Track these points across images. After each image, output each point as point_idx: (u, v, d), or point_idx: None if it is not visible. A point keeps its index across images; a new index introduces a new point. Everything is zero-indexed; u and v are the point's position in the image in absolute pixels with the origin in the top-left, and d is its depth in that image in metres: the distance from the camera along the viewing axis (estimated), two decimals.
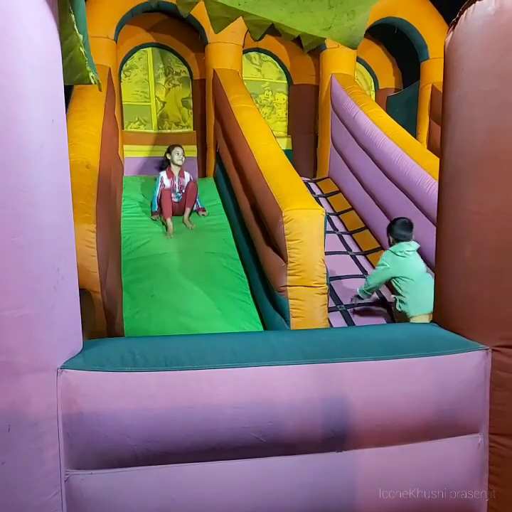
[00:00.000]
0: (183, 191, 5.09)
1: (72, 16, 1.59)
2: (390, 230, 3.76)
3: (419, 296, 3.42)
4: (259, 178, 3.94)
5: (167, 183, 5.04)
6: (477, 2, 1.55)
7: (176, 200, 5.06)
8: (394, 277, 3.62)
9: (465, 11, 1.60)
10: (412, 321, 3.44)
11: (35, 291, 1.27)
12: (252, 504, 1.46)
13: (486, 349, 1.58)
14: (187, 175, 5.22)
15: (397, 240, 3.69)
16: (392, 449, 1.55)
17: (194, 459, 1.43)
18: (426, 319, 3.28)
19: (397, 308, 3.60)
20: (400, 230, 3.69)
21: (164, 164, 5.52)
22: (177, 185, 5.11)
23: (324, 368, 1.48)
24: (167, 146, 5.71)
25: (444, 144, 1.72)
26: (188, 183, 5.12)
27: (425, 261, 4.29)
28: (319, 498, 1.50)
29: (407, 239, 3.69)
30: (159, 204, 4.98)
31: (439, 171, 1.77)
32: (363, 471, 1.53)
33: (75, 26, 1.63)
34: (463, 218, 1.62)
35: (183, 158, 5.25)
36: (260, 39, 6.77)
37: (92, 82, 1.96)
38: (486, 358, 1.57)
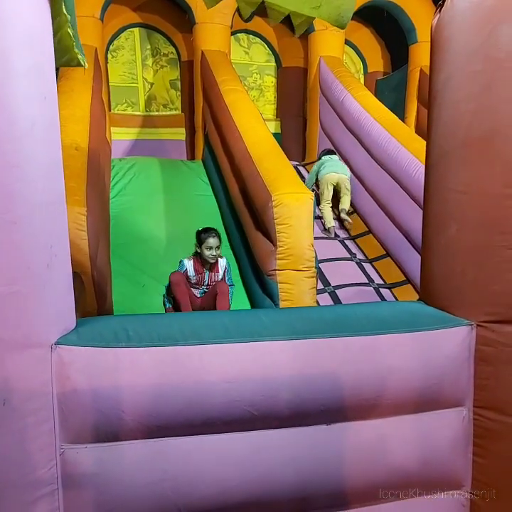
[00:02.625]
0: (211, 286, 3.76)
1: None
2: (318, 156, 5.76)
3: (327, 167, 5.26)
4: (248, 162, 3.94)
5: (191, 275, 3.72)
6: None
7: (198, 295, 3.76)
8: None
9: None
10: (323, 180, 5.22)
11: (28, 267, 1.28)
12: (243, 476, 1.50)
13: (471, 324, 1.63)
14: (222, 267, 3.78)
15: (319, 158, 5.60)
16: (379, 422, 1.60)
17: (186, 432, 1.46)
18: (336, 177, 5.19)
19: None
20: (322, 154, 5.60)
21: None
22: (206, 281, 3.76)
23: (314, 344, 1.52)
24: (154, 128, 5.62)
25: (430, 126, 1.75)
26: (221, 283, 3.70)
27: (411, 243, 4.35)
28: (309, 469, 1.55)
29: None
30: (174, 298, 3.70)
31: (426, 152, 1.80)
32: (352, 443, 1.57)
33: (64, 7, 1.62)
34: (448, 198, 1.65)
35: (217, 253, 3.69)
36: (249, 20, 6.71)
37: (82, 64, 1.94)
38: (471, 334, 1.62)
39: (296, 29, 1.76)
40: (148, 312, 3.74)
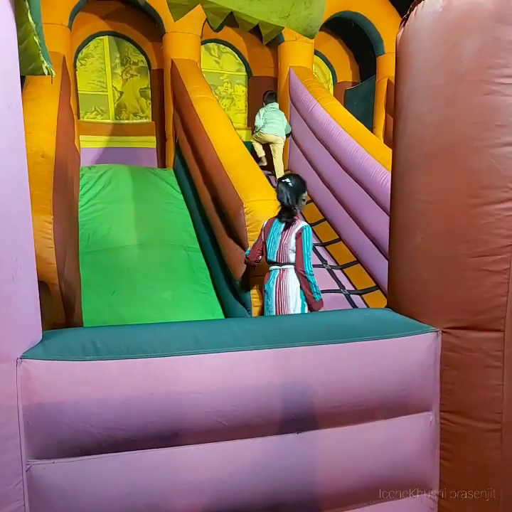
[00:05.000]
0: None
1: (26, 3, 1.56)
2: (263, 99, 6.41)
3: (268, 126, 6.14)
4: (219, 169, 3.95)
5: None
6: None
7: None
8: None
9: (415, 8, 1.67)
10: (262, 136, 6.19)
11: None
12: (214, 487, 1.50)
13: (437, 331, 1.66)
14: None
15: (266, 103, 6.31)
16: (349, 429, 1.62)
17: (157, 445, 1.45)
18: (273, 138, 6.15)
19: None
20: (269, 100, 6.31)
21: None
22: None
23: (285, 352, 1.53)
24: (124, 136, 5.64)
25: (396, 137, 1.79)
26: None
27: (380, 249, 4.43)
28: (280, 478, 1.55)
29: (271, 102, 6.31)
30: None
31: (392, 162, 1.84)
32: (322, 450, 1.59)
33: (29, 14, 1.60)
34: (414, 207, 1.69)
35: None
36: (219, 30, 6.74)
37: (46, 73, 1.92)
38: (437, 340, 1.66)
39: (264, 38, 1.78)
40: (119, 321, 3.70)
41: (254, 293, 3.46)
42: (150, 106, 6.86)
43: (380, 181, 4.37)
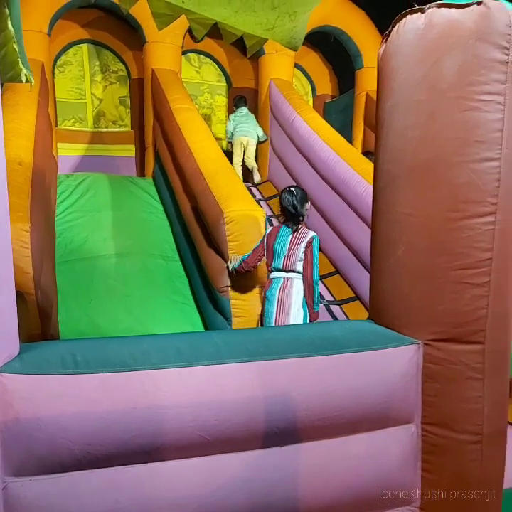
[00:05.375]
0: None
1: (6, 10, 1.54)
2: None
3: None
4: (199, 179, 3.95)
5: None
6: (408, 16, 1.64)
7: None
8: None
9: (397, 24, 1.70)
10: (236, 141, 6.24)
11: None
12: (197, 502, 1.47)
13: (418, 343, 1.67)
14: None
15: (237, 107, 6.42)
16: (332, 442, 1.61)
17: (138, 460, 1.42)
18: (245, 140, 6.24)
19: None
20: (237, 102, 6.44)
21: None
22: None
23: (268, 365, 1.52)
24: (103, 144, 5.60)
25: (378, 151, 1.81)
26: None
27: (360, 260, 4.47)
28: (263, 492, 1.53)
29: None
30: None
31: (374, 175, 1.85)
32: (305, 464, 1.57)
33: (9, 22, 1.58)
34: (396, 220, 1.71)
35: None
36: (200, 41, 6.77)
37: (24, 80, 1.89)
38: (418, 352, 1.67)
39: (248, 50, 1.79)
40: (96, 331, 3.64)
41: (234, 304, 3.44)
42: (129, 114, 6.83)
43: (360, 193, 4.41)
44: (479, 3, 1.54)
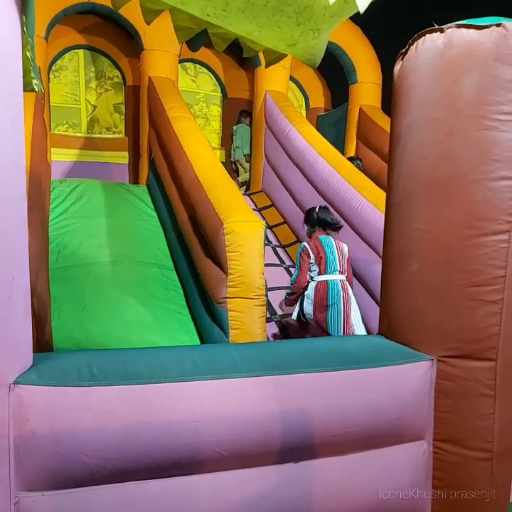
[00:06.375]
0: None
1: (23, 17, 1.52)
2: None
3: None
4: (198, 189, 3.93)
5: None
6: (427, 35, 1.66)
7: None
8: None
9: (415, 43, 1.72)
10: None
11: None
12: None
13: (432, 359, 1.68)
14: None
15: (240, 122, 6.97)
16: (345, 458, 1.60)
17: (153, 475, 1.39)
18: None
19: None
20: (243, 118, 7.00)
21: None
22: None
23: (284, 380, 1.50)
24: (97, 151, 5.57)
25: (393, 166, 1.82)
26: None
27: (353, 272, 4.49)
28: (276, 509, 1.51)
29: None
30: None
31: (388, 190, 1.86)
32: (319, 480, 1.56)
33: (25, 28, 1.56)
34: (411, 235, 1.72)
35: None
36: (196, 50, 6.77)
37: (36, 89, 1.87)
38: (432, 368, 1.67)
39: (266, 64, 1.79)
40: (89, 339, 3.58)
41: (232, 315, 3.41)
42: (123, 121, 6.79)
43: (355, 207, 4.43)
44: (498, 25, 1.56)
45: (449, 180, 1.62)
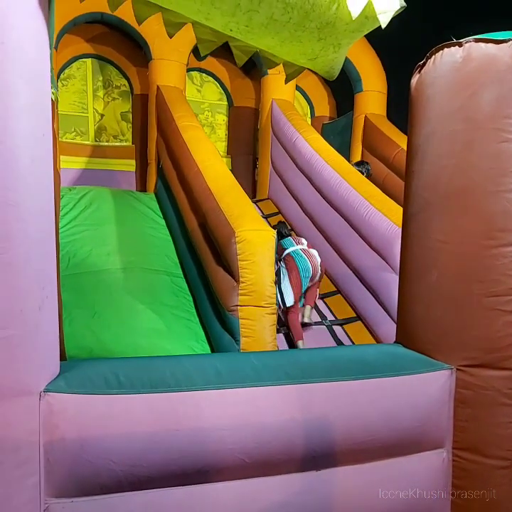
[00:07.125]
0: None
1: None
2: None
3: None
4: (209, 197, 3.95)
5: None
6: (446, 49, 1.69)
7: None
8: None
9: (433, 56, 1.75)
10: None
11: (21, 310, 1.21)
12: None
13: (451, 369, 1.69)
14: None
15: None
16: (365, 466, 1.61)
17: (179, 482, 1.40)
18: None
19: None
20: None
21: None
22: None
23: (306, 388, 1.52)
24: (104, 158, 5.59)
25: (410, 177, 1.84)
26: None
27: (361, 280, 4.51)
28: None
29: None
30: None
31: (405, 201, 1.89)
32: (340, 488, 1.57)
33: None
34: (430, 246, 1.74)
35: None
36: (203, 59, 6.82)
37: (53, 98, 1.90)
38: (451, 377, 1.69)
39: (286, 78, 1.82)
40: (101, 346, 3.60)
41: (243, 323, 3.43)
42: (130, 129, 6.85)
43: (363, 214, 4.46)
44: None
45: (468, 191, 1.64)
